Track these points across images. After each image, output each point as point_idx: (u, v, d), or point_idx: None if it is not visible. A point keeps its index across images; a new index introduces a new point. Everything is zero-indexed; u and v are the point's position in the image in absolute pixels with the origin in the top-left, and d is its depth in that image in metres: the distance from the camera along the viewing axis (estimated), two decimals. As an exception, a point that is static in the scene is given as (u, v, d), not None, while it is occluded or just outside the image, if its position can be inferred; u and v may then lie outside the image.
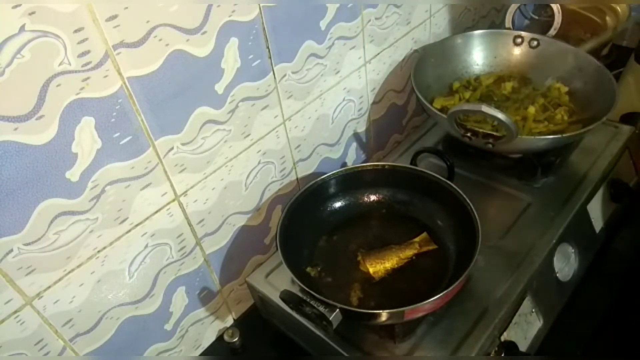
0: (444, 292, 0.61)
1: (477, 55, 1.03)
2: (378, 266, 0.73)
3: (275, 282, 0.78)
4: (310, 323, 0.66)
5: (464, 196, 0.72)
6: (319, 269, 0.76)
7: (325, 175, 0.80)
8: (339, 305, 0.60)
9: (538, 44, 0.99)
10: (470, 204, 0.71)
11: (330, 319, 0.59)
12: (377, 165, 0.81)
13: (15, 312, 0.56)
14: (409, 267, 0.75)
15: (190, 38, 0.59)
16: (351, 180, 0.82)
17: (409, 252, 0.75)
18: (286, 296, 0.63)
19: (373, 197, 0.84)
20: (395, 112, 1.04)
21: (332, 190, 0.82)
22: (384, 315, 0.62)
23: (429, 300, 0.61)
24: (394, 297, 0.71)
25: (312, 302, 0.61)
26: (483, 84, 1.00)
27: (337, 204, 0.83)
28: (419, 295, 0.62)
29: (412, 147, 1.00)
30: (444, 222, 0.78)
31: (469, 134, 0.81)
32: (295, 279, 0.65)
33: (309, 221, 0.79)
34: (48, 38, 0.48)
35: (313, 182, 0.79)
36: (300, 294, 0.62)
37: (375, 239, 0.79)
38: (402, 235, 0.78)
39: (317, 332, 0.70)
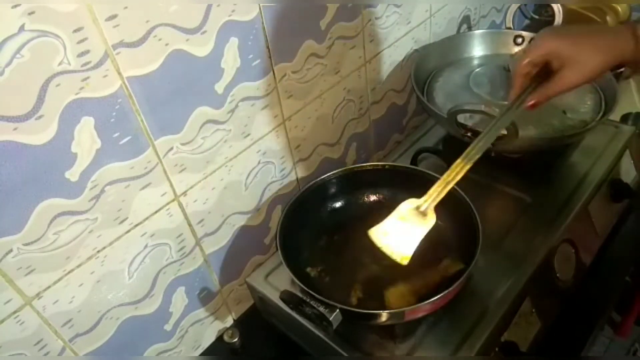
0: (444, 292, 0.61)
1: (478, 55, 1.03)
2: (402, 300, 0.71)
3: (275, 282, 0.78)
4: (310, 323, 0.65)
5: (465, 196, 0.72)
6: (319, 269, 0.75)
7: (326, 175, 0.80)
8: (338, 305, 0.60)
9: (538, 44, 0.98)
10: (471, 204, 0.70)
11: (331, 319, 0.59)
12: (377, 165, 0.81)
13: (15, 312, 0.56)
14: (412, 265, 0.74)
15: (190, 38, 0.59)
16: (351, 180, 0.82)
17: (436, 278, 0.72)
18: (286, 296, 0.63)
19: (373, 197, 0.84)
20: (395, 111, 1.04)
21: (332, 190, 0.82)
22: (384, 315, 0.62)
23: (430, 300, 0.61)
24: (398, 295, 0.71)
25: (312, 303, 0.61)
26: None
27: (337, 204, 0.83)
28: (423, 294, 0.62)
29: (413, 147, 1.00)
30: (444, 222, 0.78)
31: (469, 134, 0.81)
32: (295, 279, 0.65)
33: (309, 221, 0.79)
34: (47, 38, 0.47)
35: (313, 182, 0.79)
36: (300, 294, 0.62)
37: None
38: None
39: (317, 332, 0.70)
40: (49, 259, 0.57)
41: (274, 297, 0.76)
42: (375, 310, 0.64)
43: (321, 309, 0.60)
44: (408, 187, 0.81)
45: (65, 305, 0.61)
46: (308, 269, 0.75)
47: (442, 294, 0.61)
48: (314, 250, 0.78)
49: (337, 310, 0.60)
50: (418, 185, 0.79)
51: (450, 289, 0.62)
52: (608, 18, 1.23)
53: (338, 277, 0.74)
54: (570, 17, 1.28)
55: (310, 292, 0.62)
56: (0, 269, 0.53)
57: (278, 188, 0.84)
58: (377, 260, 0.74)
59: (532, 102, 0.64)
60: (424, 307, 0.62)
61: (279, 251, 0.68)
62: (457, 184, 0.75)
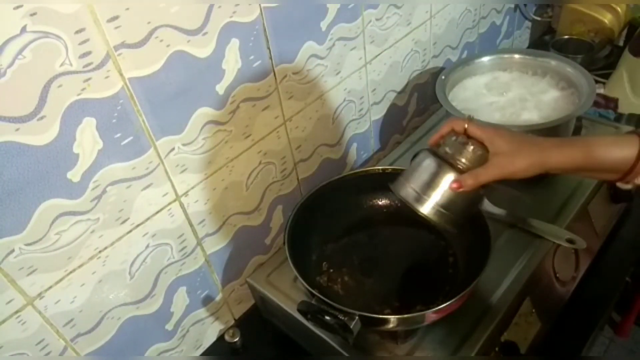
0: (468, 288, 0.61)
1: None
2: None
3: (276, 282, 0.78)
4: (326, 333, 0.65)
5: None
6: (328, 276, 0.75)
7: (336, 178, 0.78)
8: (357, 312, 0.60)
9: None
10: (480, 209, 0.70)
11: (351, 327, 0.59)
12: (387, 168, 0.80)
13: (17, 312, 0.56)
14: (419, 270, 0.74)
15: (191, 39, 0.60)
16: (359, 184, 0.81)
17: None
18: (304, 307, 0.62)
19: (383, 201, 0.83)
20: (395, 112, 1.04)
21: (339, 193, 0.81)
22: (405, 319, 0.62)
23: (454, 299, 0.60)
24: (405, 300, 0.71)
25: (332, 312, 0.60)
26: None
27: (345, 208, 0.82)
28: (431, 299, 0.61)
29: (413, 148, 1.00)
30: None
31: None
32: (313, 291, 0.64)
33: (315, 227, 0.78)
34: (49, 39, 0.48)
35: (319, 186, 0.77)
36: (316, 304, 0.62)
37: (384, 243, 0.79)
38: (412, 240, 0.78)
39: (317, 332, 0.70)
40: (50, 259, 0.57)
41: (275, 297, 0.76)
42: (390, 315, 0.64)
43: (341, 317, 0.59)
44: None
45: (67, 305, 0.61)
46: (317, 278, 0.74)
47: (463, 293, 0.61)
48: (322, 256, 0.78)
49: (357, 317, 0.59)
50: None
51: (469, 289, 0.61)
52: (609, 16, 1.23)
53: (348, 282, 0.74)
54: (572, 16, 1.28)
55: (329, 301, 0.61)
56: (2, 269, 0.53)
57: (279, 188, 0.84)
58: (386, 264, 0.74)
59: (456, 184, 0.58)
60: (445, 308, 0.61)
61: (291, 264, 0.67)
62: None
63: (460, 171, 0.58)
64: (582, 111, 0.84)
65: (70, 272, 0.60)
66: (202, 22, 0.60)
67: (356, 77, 0.89)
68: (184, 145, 0.65)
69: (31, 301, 0.57)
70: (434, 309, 0.60)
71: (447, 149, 0.59)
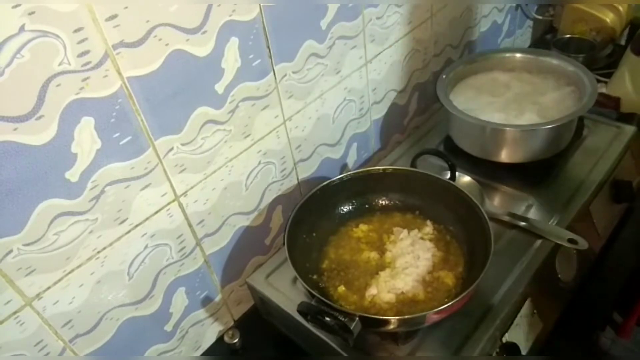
0: (470, 289, 0.61)
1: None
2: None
3: (276, 283, 0.78)
4: (327, 334, 0.65)
5: (475, 201, 0.71)
6: (328, 275, 0.74)
7: (336, 178, 0.78)
8: (357, 313, 0.60)
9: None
10: (481, 209, 0.69)
11: (352, 328, 0.58)
12: (388, 168, 0.79)
13: (15, 312, 0.56)
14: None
15: (190, 38, 0.59)
16: (359, 184, 0.80)
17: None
18: (304, 308, 0.62)
19: (383, 202, 0.83)
20: (396, 112, 1.04)
21: (339, 194, 0.80)
22: (406, 320, 0.61)
23: (455, 300, 0.60)
24: (406, 301, 0.70)
25: (332, 313, 0.60)
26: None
27: (345, 208, 0.82)
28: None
29: (414, 147, 1.00)
30: (454, 226, 0.77)
31: None
32: (313, 292, 0.63)
33: (315, 227, 0.77)
34: (48, 38, 0.47)
35: (319, 186, 0.77)
36: (316, 305, 0.61)
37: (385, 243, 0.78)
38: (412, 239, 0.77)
39: (317, 333, 0.70)
40: (49, 259, 0.57)
41: (275, 297, 0.76)
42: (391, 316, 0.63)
43: (341, 318, 0.59)
44: (419, 192, 0.80)
45: (66, 306, 0.61)
46: (315, 276, 0.73)
47: (469, 290, 0.61)
48: (322, 256, 0.77)
49: (357, 318, 0.59)
50: (429, 190, 0.79)
51: (470, 289, 0.61)
52: (611, 15, 1.23)
53: (349, 283, 0.73)
54: (574, 15, 1.28)
55: (329, 302, 0.61)
56: (0, 269, 0.53)
57: (278, 188, 0.84)
58: (385, 265, 0.74)
59: None
60: (447, 309, 0.61)
61: (291, 265, 0.66)
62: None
63: None
64: (584, 111, 0.83)
65: (69, 273, 0.59)
66: (201, 20, 0.59)
67: (356, 76, 0.88)
68: (182, 144, 0.65)
69: (29, 302, 0.57)
70: (434, 310, 0.60)
71: None
